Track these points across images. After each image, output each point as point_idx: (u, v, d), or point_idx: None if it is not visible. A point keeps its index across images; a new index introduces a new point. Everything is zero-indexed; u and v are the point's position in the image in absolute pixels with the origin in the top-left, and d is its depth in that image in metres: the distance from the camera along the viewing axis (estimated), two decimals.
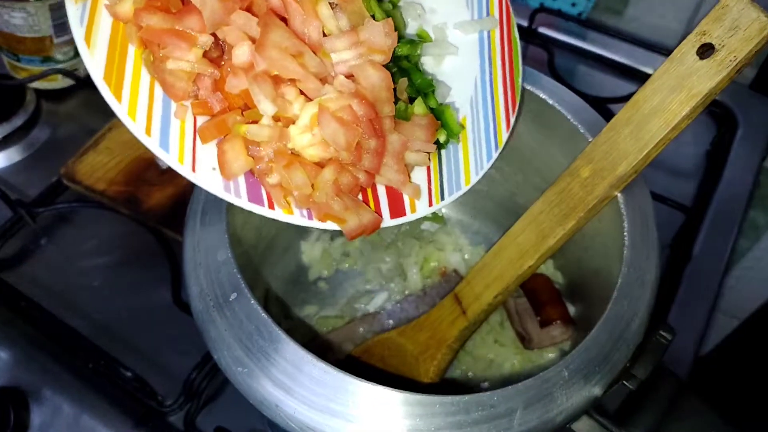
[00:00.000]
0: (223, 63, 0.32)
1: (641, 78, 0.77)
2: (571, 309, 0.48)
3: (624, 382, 0.35)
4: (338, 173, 0.32)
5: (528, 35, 0.82)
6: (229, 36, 0.30)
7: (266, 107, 0.31)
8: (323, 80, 0.31)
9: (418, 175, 0.37)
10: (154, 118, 0.31)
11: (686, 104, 0.33)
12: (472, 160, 0.38)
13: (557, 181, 0.38)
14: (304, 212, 0.33)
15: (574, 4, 0.85)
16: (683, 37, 0.34)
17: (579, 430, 0.34)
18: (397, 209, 0.35)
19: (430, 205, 0.36)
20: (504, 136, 0.38)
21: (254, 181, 0.33)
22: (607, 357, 0.34)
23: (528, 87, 0.43)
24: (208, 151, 0.32)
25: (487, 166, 0.38)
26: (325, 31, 0.31)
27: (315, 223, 0.33)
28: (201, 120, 0.33)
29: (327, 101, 0.29)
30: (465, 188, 0.37)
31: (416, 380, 0.43)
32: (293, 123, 0.31)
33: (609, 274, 0.39)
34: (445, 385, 0.46)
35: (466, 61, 0.39)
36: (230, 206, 0.37)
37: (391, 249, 0.54)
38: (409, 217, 0.36)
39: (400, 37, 0.36)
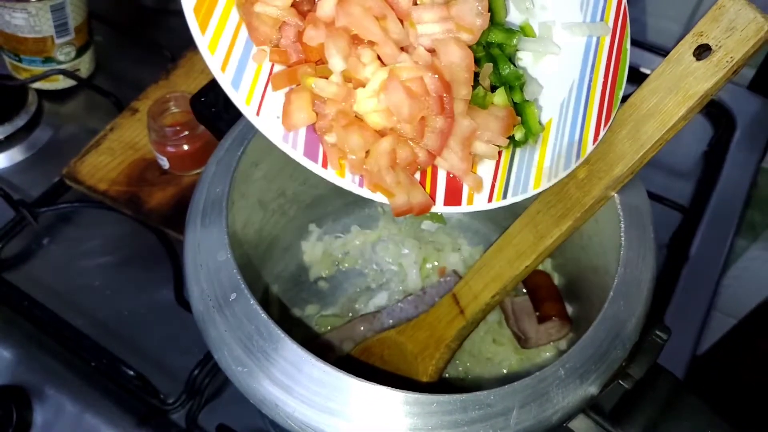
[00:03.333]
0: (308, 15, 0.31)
1: (639, 78, 0.77)
2: (569, 308, 0.48)
3: (620, 381, 0.35)
4: (397, 145, 0.31)
5: None
6: None
7: (336, 63, 0.30)
8: (403, 49, 0.30)
9: (485, 168, 0.35)
10: (232, 58, 0.31)
11: (683, 105, 0.33)
12: (547, 165, 0.36)
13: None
14: (356, 179, 0.33)
15: None
16: (682, 38, 0.34)
17: (575, 429, 0.34)
18: (452, 197, 0.34)
19: (490, 201, 0.35)
20: (589, 148, 0.36)
21: (314, 137, 0.32)
22: (604, 356, 0.34)
23: None
24: (276, 100, 0.32)
25: (562, 174, 0.36)
26: (417, 1, 0.30)
27: (364, 192, 0.32)
28: (276, 68, 0.32)
29: (399, 69, 0.28)
30: (532, 192, 0.36)
31: (415, 379, 0.43)
32: (363, 86, 0.31)
33: (606, 274, 0.39)
34: (444, 384, 0.46)
35: (567, 64, 0.38)
36: (231, 206, 0.38)
37: (391, 249, 0.54)
38: (464, 208, 0.34)
39: (498, 24, 0.35)
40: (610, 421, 0.35)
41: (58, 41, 0.68)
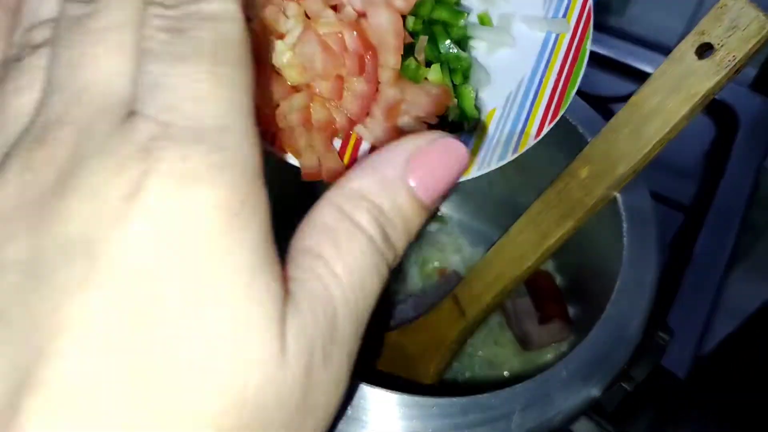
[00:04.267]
0: None
1: (642, 78, 0.77)
2: (571, 309, 0.48)
3: (622, 383, 0.35)
4: (312, 104, 0.29)
5: None
6: None
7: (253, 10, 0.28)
8: (334, 8, 0.28)
9: None
10: None
11: (685, 104, 0.33)
12: (480, 154, 0.36)
13: (556, 182, 0.38)
14: (269, 137, 0.30)
15: None
16: (683, 37, 0.34)
17: (577, 431, 0.34)
18: None
19: None
20: (529, 142, 0.36)
21: None
22: (606, 358, 0.34)
23: None
24: None
25: (494, 165, 0.36)
26: None
27: (275, 151, 0.30)
28: None
29: (319, 23, 0.27)
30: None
31: (416, 381, 0.43)
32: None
33: (608, 275, 0.39)
34: (445, 387, 0.46)
35: (521, 58, 0.37)
36: None
37: None
38: None
39: (446, 2, 0.34)
40: (613, 423, 0.35)
41: None
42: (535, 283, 0.48)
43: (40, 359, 0.15)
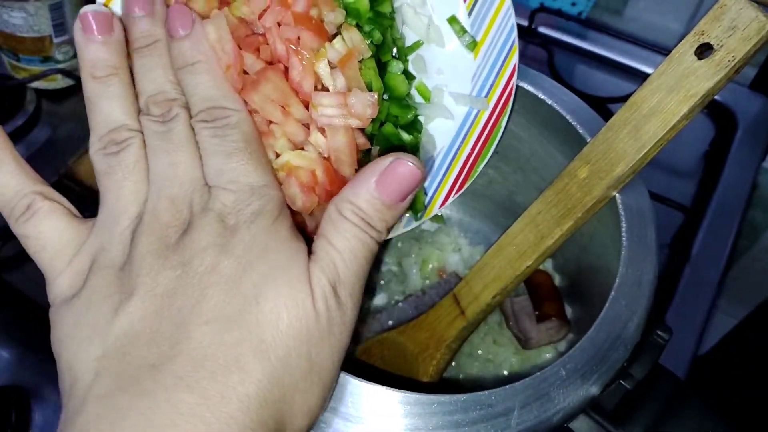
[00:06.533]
0: None
1: (641, 78, 0.77)
2: (570, 309, 0.48)
3: (621, 381, 0.35)
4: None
5: (528, 35, 0.82)
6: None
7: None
8: (307, 125, 0.34)
9: None
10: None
11: (684, 104, 0.33)
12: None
13: (555, 182, 0.39)
14: None
15: (573, 4, 0.85)
16: (683, 37, 0.34)
17: (576, 429, 0.34)
18: None
19: None
20: (434, 211, 0.39)
21: None
22: (605, 356, 0.34)
23: (527, 87, 0.43)
24: None
25: (399, 231, 0.39)
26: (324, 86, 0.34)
27: None
28: None
29: (295, 159, 0.33)
30: None
31: (416, 379, 0.43)
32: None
33: (607, 275, 0.39)
34: (445, 385, 0.46)
35: (443, 131, 0.40)
36: None
37: (391, 250, 0.54)
38: None
39: (397, 98, 0.38)
40: (612, 422, 0.35)
41: (56, 40, 0.68)
42: (533, 283, 0.48)
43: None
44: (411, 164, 0.30)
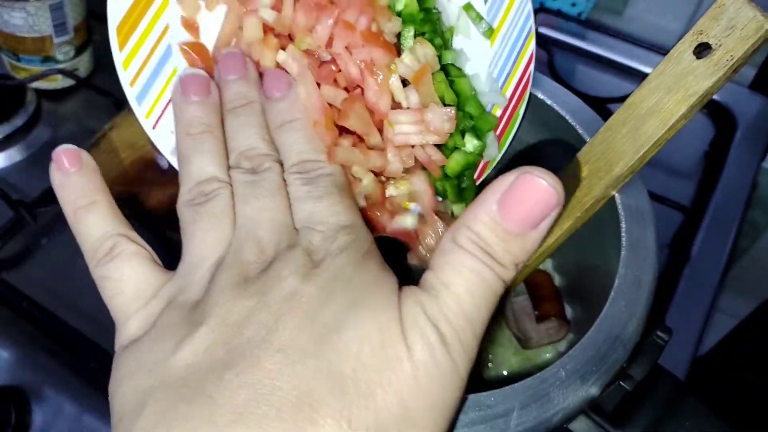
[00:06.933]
0: None
1: (641, 78, 0.77)
2: (569, 309, 0.48)
3: (621, 382, 0.35)
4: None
5: None
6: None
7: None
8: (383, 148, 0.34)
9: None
10: (142, 76, 0.34)
11: (683, 104, 0.33)
12: None
13: None
14: None
15: (573, 4, 0.85)
16: (682, 37, 0.34)
17: (576, 430, 0.34)
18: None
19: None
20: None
21: None
22: (604, 357, 0.34)
23: None
24: (169, 118, 0.35)
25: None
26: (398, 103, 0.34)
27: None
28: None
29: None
30: None
31: None
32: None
33: (606, 275, 0.39)
34: None
35: None
36: None
37: None
38: None
39: (470, 101, 0.38)
40: (611, 422, 0.35)
41: (56, 41, 0.68)
42: (533, 282, 0.48)
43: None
44: (543, 181, 0.24)
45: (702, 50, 0.32)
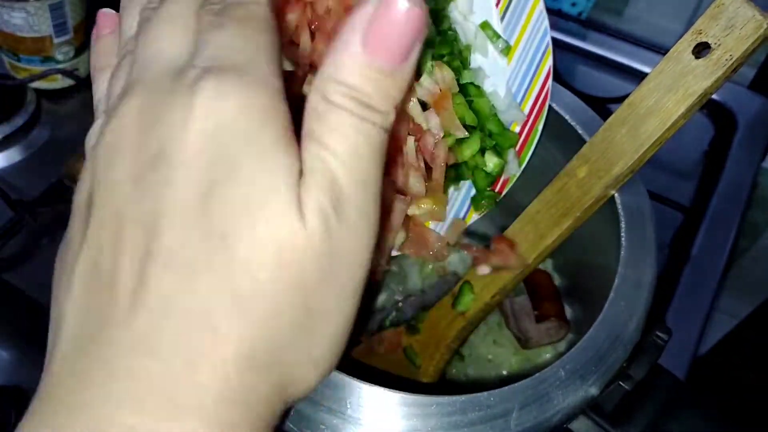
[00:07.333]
0: None
1: (641, 78, 0.77)
2: (569, 309, 0.48)
3: (621, 382, 0.35)
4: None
5: None
6: None
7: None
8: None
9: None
10: None
11: (682, 103, 0.33)
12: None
13: (554, 181, 0.39)
14: None
15: (574, 4, 0.85)
16: (682, 37, 0.34)
17: (576, 430, 0.34)
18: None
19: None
20: (473, 218, 0.41)
21: None
22: (604, 357, 0.34)
23: None
24: None
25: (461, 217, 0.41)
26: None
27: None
28: None
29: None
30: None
31: (415, 380, 0.43)
32: None
33: (606, 274, 0.39)
34: (444, 385, 0.46)
35: None
36: None
37: None
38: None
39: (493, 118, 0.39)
40: (611, 422, 0.35)
41: (56, 41, 0.68)
42: (533, 282, 0.48)
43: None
44: (405, 3, 0.21)
45: (701, 50, 0.32)
